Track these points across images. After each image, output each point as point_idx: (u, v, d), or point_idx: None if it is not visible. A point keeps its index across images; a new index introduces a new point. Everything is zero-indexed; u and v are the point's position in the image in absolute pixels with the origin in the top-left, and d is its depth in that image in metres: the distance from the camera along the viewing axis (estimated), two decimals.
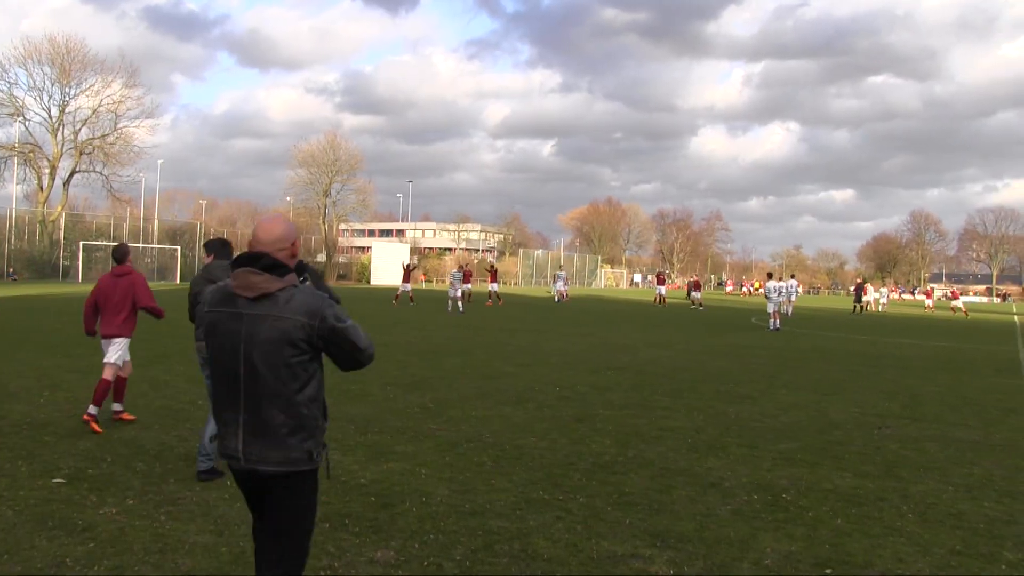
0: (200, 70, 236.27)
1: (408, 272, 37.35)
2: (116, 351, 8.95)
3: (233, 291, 3.49)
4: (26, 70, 65.54)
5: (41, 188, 67.51)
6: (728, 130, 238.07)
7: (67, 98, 66.98)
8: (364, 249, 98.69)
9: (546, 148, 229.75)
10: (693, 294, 46.69)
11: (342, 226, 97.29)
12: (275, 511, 3.56)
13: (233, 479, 3.78)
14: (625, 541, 5.55)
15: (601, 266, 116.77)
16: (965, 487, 7.31)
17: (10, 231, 62.41)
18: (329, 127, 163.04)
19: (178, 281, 65.73)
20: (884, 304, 52.85)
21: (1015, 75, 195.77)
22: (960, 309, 53.29)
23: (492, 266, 45.01)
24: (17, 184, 67.88)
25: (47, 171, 67.39)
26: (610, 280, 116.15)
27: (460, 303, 32.29)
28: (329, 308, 3.48)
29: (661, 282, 49.65)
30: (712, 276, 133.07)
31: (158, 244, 70.87)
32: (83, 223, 70.60)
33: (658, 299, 47.00)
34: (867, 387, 13.65)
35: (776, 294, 28.91)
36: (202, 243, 7.62)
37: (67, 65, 65.70)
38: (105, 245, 65.57)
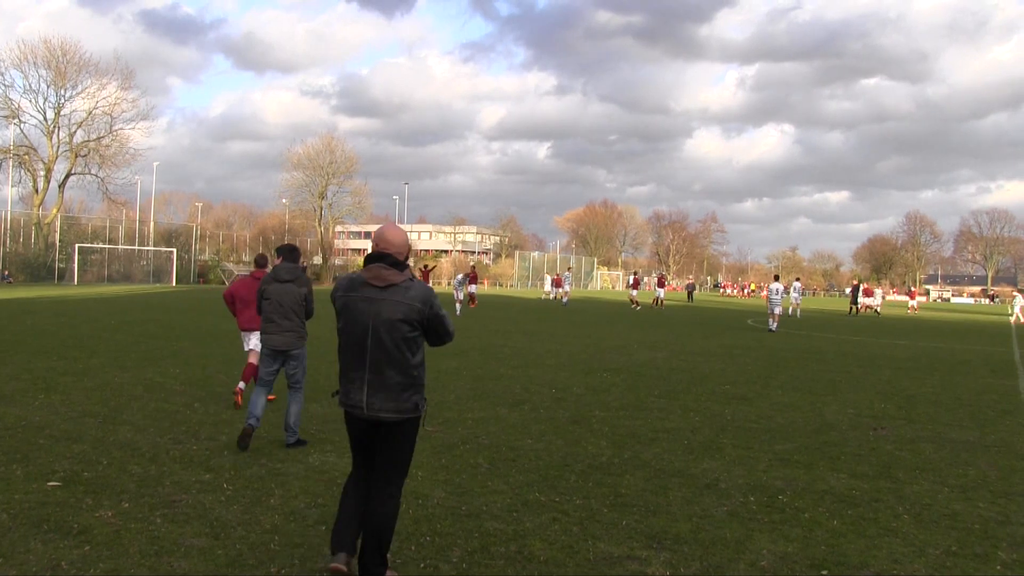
0: (196, 73, 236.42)
1: (427, 274, 37.40)
2: (255, 340, 9.99)
3: (366, 280, 4.63)
4: (22, 73, 65.47)
5: (36, 191, 67.32)
6: (723, 132, 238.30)
7: (62, 101, 66.85)
8: (360, 251, 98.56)
9: (541, 150, 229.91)
10: (632, 292, 46.83)
11: (338, 228, 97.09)
12: (389, 447, 4.70)
13: (230, 485, 3.85)
14: (621, 543, 5.56)
15: (597, 268, 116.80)
16: (960, 488, 7.32)
17: (5, 234, 62.26)
18: (325, 129, 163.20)
19: (174, 283, 65.65)
20: (878, 306, 52.86)
21: (1006, 77, 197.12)
22: (912, 307, 54.01)
23: (473, 268, 45.06)
24: (12, 187, 67.67)
25: (42, 174, 67.24)
26: (606, 282, 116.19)
27: (458, 305, 32.29)
28: (435, 298, 4.68)
29: (661, 284, 49.68)
30: (708, 278, 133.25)
31: (154, 247, 70.78)
32: (78, 226, 70.40)
33: (656, 302, 47.01)
34: (862, 388, 13.67)
35: (777, 295, 29.12)
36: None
37: (62, 68, 65.55)
38: (100, 248, 65.57)
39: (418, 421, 4.74)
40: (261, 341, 8.34)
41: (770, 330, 28.13)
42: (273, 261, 8.80)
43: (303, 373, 8.41)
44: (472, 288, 37.39)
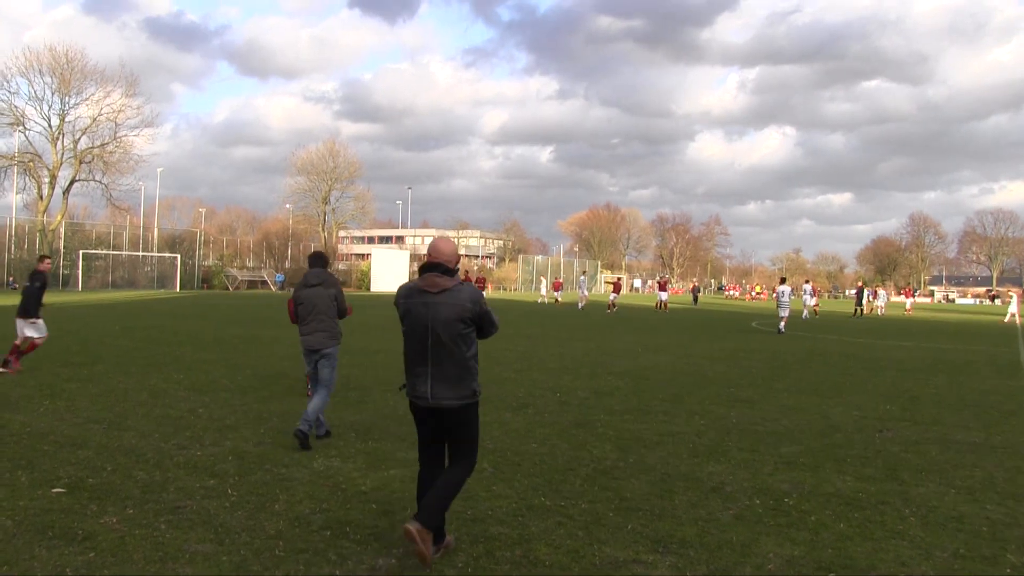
0: (200, 79, 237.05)
1: (480, 279, 37.45)
2: None
3: (422, 288, 5.30)
4: (27, 80, 65.60)
5: (41, 197, 67.48)
6: (725, 135, 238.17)
7: (67, 108, 66.99)
8: (364, 256, 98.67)
9: (544, 154, 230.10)
10: (612, 296, 46.80)
11: (341, 233, 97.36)
12: (456, 431, 5.38)
13: (235, 490, 3.83)
14: (627, 547, 5.54)
15: (601, 271, 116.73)
16: (967, 490, 7.30)
17: (10, 240, 62.38)
18: (328, 135, 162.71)
19: (178, 289, 65.72)
20: (882, 308, 52.78)
21: (1007, 79, 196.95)
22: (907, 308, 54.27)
23: (480, 275, 45.00)
24: (17, 193, 67.88)
25: (47, 180, 67.36)
26: (610, 285, 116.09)
27: None
28: (482, 298, 5.39)
29: (663, 288, 49.61)
30: (712, 280, 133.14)
31: (157, 252, 70.88)
32: (83, 232, 70.53)
33: (659, 305, 46.95)
34: (867, 390, 13.64)
35: (785, 298, 29.30)
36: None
37: (67, 75, 65.69)
38: (105, 254, 65.67)
39: (476, 405, 5.44)
40: (301, 343, 8.94)
41: (779, 332, 28.15)
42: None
43: (331, 373, 8.89)
44: None
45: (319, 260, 9.19)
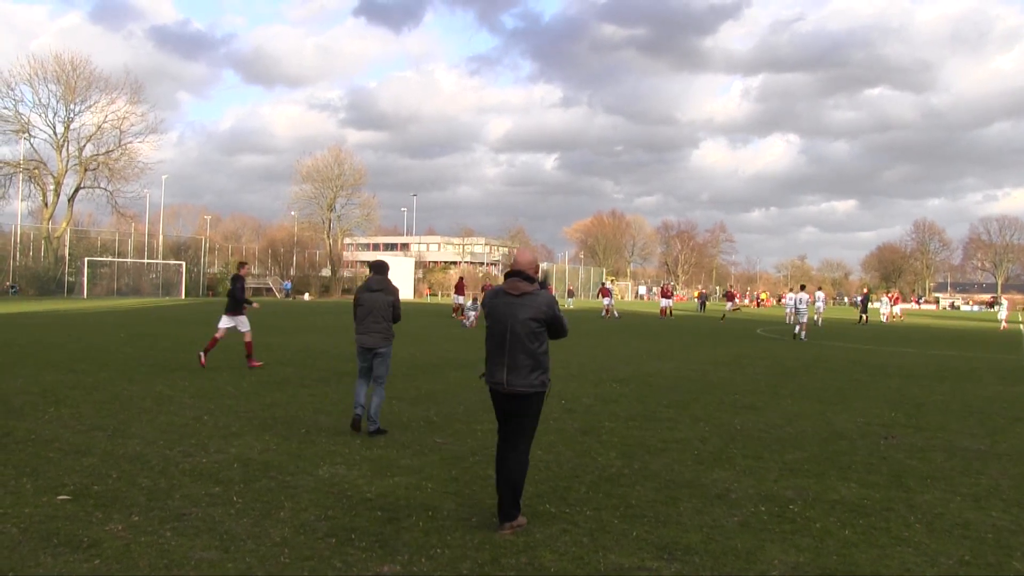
0: (206, 88, 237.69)
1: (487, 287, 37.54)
2: None
3: (505, 290, 6.24)
4: (32, 87, 65.86)
5: (46, 204, 67.66)
6: (729, 142, 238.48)
7: (72, 115, 67.26)
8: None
9: (548, 161, 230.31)
10: (606, 301, 46.84)
11: (347, 240, 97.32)
12: (523, 414, 6.27)
13: (240, 497, 3.82)
14: (632, 554, 5.54)
15: (606, 278, 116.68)
16: (972, 496, 7.29)
17: (15, 248, 62.53)
18: (333, 142, 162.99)
19: (183, 296, 65.79)
20: (886, 314, 52.67)
21: (1009, 86, 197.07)
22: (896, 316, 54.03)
23: (488, 284, 45.00)
24: (22, 201, 68.14)
25: (52, 187, 67.58)
26: (615, 292, 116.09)
27: (472, 315, 32.25)
28: (555, 303, 6.25)
29: (665, 295, 49.51)
30: (717, 288, 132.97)
31: (163, 260, 70.97)
32: (88, 239, 70.63)
33: (664, 312, 46.90)
34: (871, 396, 13.62)
35: (803, 305, 29.72)
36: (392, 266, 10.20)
37: (72, 82, 65.94)
38: (110, 261, 65.76)
39: (543, 395, 6.26)
40: (356, 341, 9.74)
41: (800, 339, 28.46)
42: (367, 275, 10.18)
43: (386, 371, 9.72)
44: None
45: (381, 268, 10.05)
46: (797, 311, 30.20)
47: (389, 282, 9.93)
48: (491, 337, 6.31)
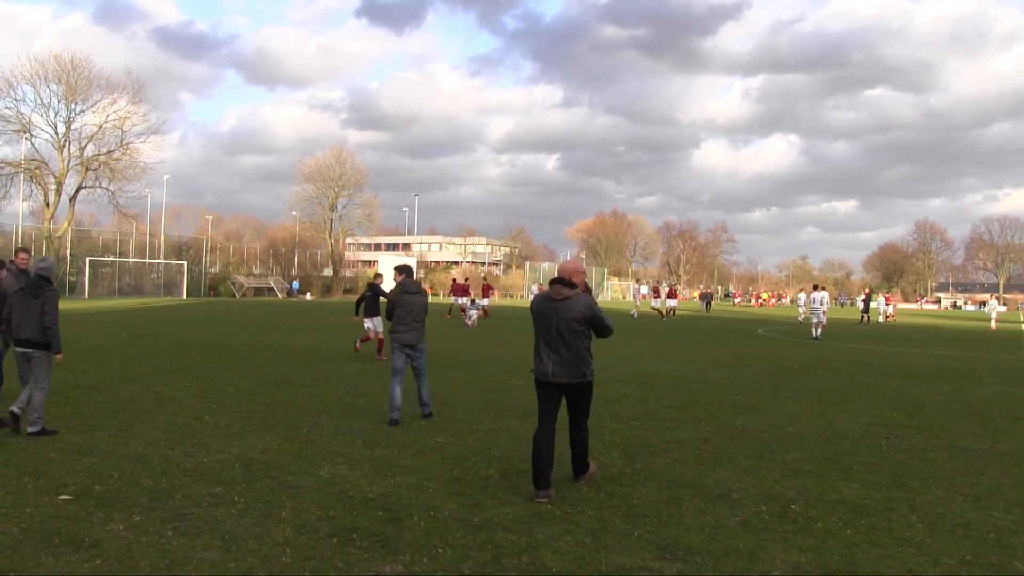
0: (208, 89, 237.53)
1: (486, 287, 37.60)
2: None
3: (550, 295, 7.19)
4: (33, 87, 65.81)
5: (47, 204, 67.55)
6: (729, 143, 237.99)
7: (73, 115, 67.18)
8: (370, 263, 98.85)
9: (550, 162, 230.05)
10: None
11: (348, 240, 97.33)
12: (575, 402, 7.32)
13: (241, 497, 3.85)
14: (633, 554, 5.54)
15: (608, 278, 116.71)
16: (973, 496, 7.28)
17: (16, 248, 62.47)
18: (335, 143, 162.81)
19: (184, 296, 65.83)
20: (884, 312, 52.65)
21: (1009, 87, 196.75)
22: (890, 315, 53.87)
23: (485, 281, 44.95)
24: (23, 200, 68.00)
25: (53, 187, 67.45)
26: (617, 292, 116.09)
27: (474, 314, 32.21)
28: (595, 305, 7.16)
29: (658, 295, 49.54)
30: (719, 287, 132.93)
31: (164, 259, 71.00)
32: (89, 239, 70.60)
33: (664, 312, 46.88)
34: (873, 397, 13.62)
35: (822, 305, 30.49)
36: (391, 266, 11.21)
37: (73, 82, 65.89)
38: (111, 261, 65.78)
39: (590, 384, 7.30)
40: (392, 339, 10.46)
41: (816, 339, 28.97)
42: (395, 277, 11.08)
43: (424, 362, 10.70)
44: (484, 301, 37.41)
45: (411, 271, 11.25)
46: (813, 311, 30.83)
47: (421, 285, 10.97)
48: (539, 336, 7.23)
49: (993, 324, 45.21)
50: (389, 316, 10.60)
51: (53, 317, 9.00)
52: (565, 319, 7.04)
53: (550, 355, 7.10)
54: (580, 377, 7.16)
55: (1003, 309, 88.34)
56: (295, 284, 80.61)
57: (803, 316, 41.31)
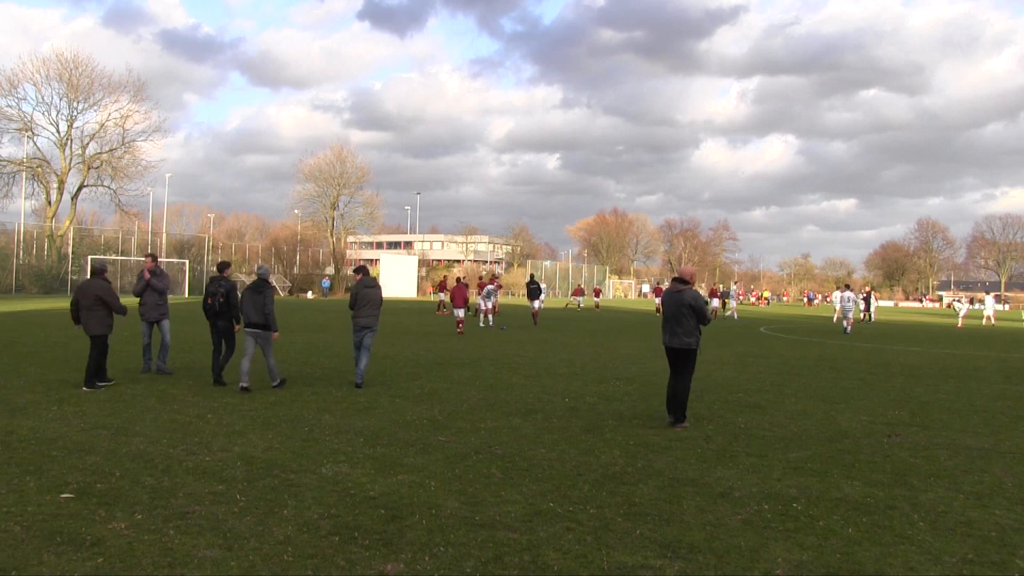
0: (212, 90, 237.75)
1: (490, 282, 37.62)
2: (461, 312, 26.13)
3: (672, 288, 10.39)
4: (35, 86, 65.86)
5: (49, 203, 67.67)
6: (728, 143, 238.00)
7: (75, 113, 67.28)
8: (372, 261, 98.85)
9: (551, 161, 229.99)
10: (577, 300, 46.97)
11: (350, 238, 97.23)
12: (683, 363, 10.33)
13: (243, 496, 3.93)
14: (635, 552, 5.53)
15: (609, 277, 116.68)
16: (976, 495, 7.27)
17: (18, 246, 62.55)
18: (337, 142, 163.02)
19: (186, 295, 65.82)
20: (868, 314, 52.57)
21: (1001, 89, 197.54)
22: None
23: (495, 278, 45.00)
24: (25, 199, 68.12)
25: (55, 186, 67.63)
26: (618, 291, 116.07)
27: (489, 316, 31.88)
28: (700, 296, 10.41)
29: (658, 294, 49.59)
30: (720, 286, 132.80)
31: (166, 258, 70.99)
32: (91, 237, 70.67)
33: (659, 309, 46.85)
34: (875, 395, 13.61)
35: (850, 303, 33.55)
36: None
37: (75, 81, 65.98)
38: (114, 259, 65.80)
39: (696, 351, 10.32)
40: (354, 321, 13.29)
41: (845, 333, 31.98)
42: (354, 278, 14.17)
43: (372, 340, 13.35)
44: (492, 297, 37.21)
45: (367, 270, 14.02)
46: (843, 309, 33.58)
47: (376, 280, 13.78)
48: (664, 315, 10.48)
49: (960, 322, 44.90)
50: (352, 306, 13.29)
51: (270, 307, 12.41)
52: (679, 305, 10.16)
53: (670, 328, 10.29)
54: (687, 345, 10.19)
55: (999, 307, 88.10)
56: (325, 283, 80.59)
57: (837, 316, 41.55)
